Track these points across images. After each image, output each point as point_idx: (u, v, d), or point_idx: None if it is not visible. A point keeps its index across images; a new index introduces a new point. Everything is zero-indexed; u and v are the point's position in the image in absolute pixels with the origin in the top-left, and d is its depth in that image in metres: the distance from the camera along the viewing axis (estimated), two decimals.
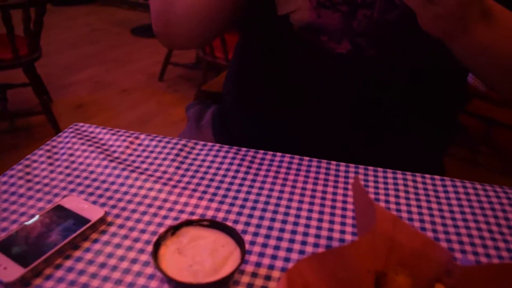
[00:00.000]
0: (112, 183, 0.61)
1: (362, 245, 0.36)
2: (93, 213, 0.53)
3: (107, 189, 0.59)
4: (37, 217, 0.53)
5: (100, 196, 0.58)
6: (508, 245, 0.53)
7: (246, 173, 0.63)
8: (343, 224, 0.55)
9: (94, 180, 0.61)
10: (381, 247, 0.40)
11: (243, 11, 0.71)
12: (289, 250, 0.50)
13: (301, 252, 0.50)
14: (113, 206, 0.56)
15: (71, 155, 0.66)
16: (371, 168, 0.66)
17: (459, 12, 0.51)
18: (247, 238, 0.52)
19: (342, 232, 0.54)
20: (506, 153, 2.45)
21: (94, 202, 0.57)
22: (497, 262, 0.51)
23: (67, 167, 0.64)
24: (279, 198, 0.59)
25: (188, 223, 0.47)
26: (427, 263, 0.40)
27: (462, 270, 0.39)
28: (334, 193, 0.60)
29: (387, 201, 0.59)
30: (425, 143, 0.79)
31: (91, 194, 0.59)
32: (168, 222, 0.54)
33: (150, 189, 0.59)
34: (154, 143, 0.70)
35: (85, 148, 0.68)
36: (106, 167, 0.64)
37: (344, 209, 0.58)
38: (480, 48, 0.57)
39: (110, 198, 0.58)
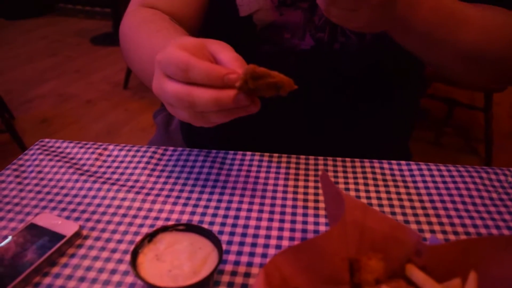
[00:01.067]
0: (84, 196, 0.60)
1: (334, 234, 0.38)
2: (68, 228, 0.53)
3: (79, 203, 0.59)
4: (10, 237, 0.52)
5: (73, 210, 0.58)
6: (474, 221, 0.56)
7: (218, 174, 0.64)
8: (316, 216, 0.56)
9: (66, 195, 0.61)
10: (353, 235, 0.42)
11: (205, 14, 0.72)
12: (266, 246, 0.52)
13: (278, 247, 0.52)
14: (88, 219, 0.56)
15: (40, 172, 0.66)
16: (339, 159, 0.67)
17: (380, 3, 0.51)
18: (224, 238, 0.53)
19: (316, 224, 0.55)
20: (468, 132, 2.53)
21: (68, 217, 0.57)
22: (464, 238, 0.53)
23: (36, 185, 0.63)
24: (253, 196, 0.60)
25: (164, 229, 0.47)
26: (397, 245, 0.42)
27: (430, 249, 0.41)
28: (306, 187, 0.62)
29: (357, 190, 0.61)
30: (390, 129, 0.81)
31: (63, 209, 0.58)
32: (144, 230, 0.54)
33: (124, 199, 0.60)
34: (123, 152, 0.70)
35: (54, 164, 0.67)
36: (76, 181, 0.63)
37: (316, 201, 0.59)
38: (423, 39, 0.59)
39: (83, 211, 0.58)
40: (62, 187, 0.62)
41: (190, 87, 0.42)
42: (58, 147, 0.72)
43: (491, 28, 0.63)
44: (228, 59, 0.45)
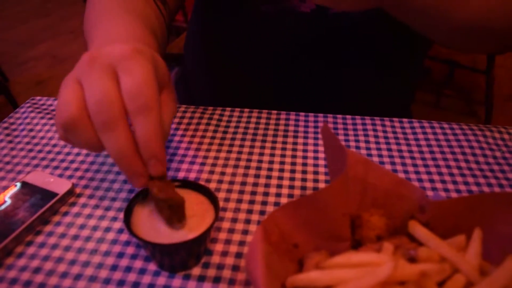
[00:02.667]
0: (78, 154, 0.59)
1: (335, 189, 0.36)
2: (60, 186, 0.52)
3: (72, 161, 0.57)
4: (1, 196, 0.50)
5: (66, 168, 0.56)
6: (477, 180, 0.55)
7: (215, 131, 0.62)
8: (315, 173, 0.55)
9: (58, 153, 0.59)
10: (354, 190, 0.40)
11: None
12: (264, 203, 0.50)
13: (276, 204, 0.50)
14: (81, 178, 0.55)
15: (31, 130, 0.64)
16: (339, 116, 0.66)
17: None
18: (221, 195, 0.51)
19: (316, 181, 0.54)
20: (469, 94, 2.51)
21: (61, 175, 0.55)
22: (468, 195, 0.52)
23: (28, 143, 0.61)
24: (250, 153, 0.58)
25: None
26: (400, 201, 0.41)
27: (434, 205, 0.40)
28: (305, 144, 0.60)
29: (357, 147, 0.60)
30: (391, 92, 0.79)
31: (56, 167, 0.57)
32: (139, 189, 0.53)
33: None
34: None
35: (45, 122, 0.65)
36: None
37: (316, 158, 0.57)
38: (418, 15, 0.56)
39: (76, 169, 0.56)
40: (54, 145, 0.60)
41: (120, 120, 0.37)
42: (50, 105, 0.70)
43: (493, 2, 0.59)
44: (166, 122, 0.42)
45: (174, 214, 0.41)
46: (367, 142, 0.60)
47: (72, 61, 2.73)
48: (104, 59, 0.39)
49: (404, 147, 0.60)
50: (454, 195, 0.52)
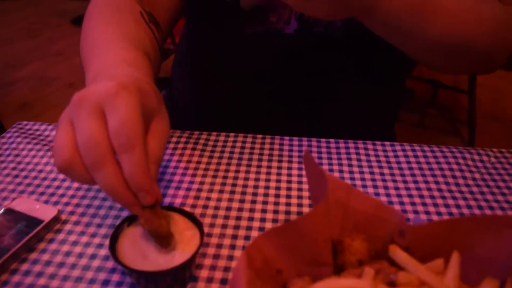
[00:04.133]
0: (63, 180, 0.59)
1: (316, 215, 0.37)
2: (46, 213, 0.52)
3: (58, 187, 0.58)
4: None
5: (52, 194, 0.57)
6: (457, 202, 0.56)
7: (201, 156, 0.63)
8: (300, 197, 0.56)
9: (44, 179, 0.59)
10: (336, 215, 0.41)
11: None
12: (248, 228, 0.51)
13: (261, 229, 0.51)
14: (67, 204, 0.55)
15: (17, 155, 0.64)
16: (323, 140, 0.67)
17: None
18: (206, 221, 0.52)
19: (300, 205, 0.55)
20: (453, 113, 2.55)
21: (46, 202, 0.55)
22: (447, 218, 0.53)
23: (14, 168, 0.61)
24: (236, 178, 0.59)
25: None
26: (380, 225, 0.42)
27: (413, 229, 0.41)
28: (289, 168, 0.61)
29: (341, 171, 0.61)
30: (375, 111, 0.81)
31: (42, 193, 0.57)
32: (125, 214, 0.53)
33: None
34: None
35: (31, 147, 0.65)
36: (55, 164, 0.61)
37: (299, 182, 0.58)
38: (393, 28, 0.57)
39: (62, 195, 0.56)
40: (40, 171, 0.61)
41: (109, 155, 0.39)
42: (36, 130, 0.70)
43: (470, 18, 0.60)
44: (149, 150, 0.42)
45: (159, 243, 0.42)
46: (350, 165, 0.62)
47: (59, 82, 2.72)
48: (91, 99, 0.40)
49: (386, 170, 0.61)
50: (435, 217, 0.54)
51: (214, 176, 0.59)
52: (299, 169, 0.61)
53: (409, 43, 0.61)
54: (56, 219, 0.52)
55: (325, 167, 0.62)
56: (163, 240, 0.42)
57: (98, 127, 0.38)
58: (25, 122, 0.72)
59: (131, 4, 0.63)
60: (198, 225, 0.44)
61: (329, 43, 0.69)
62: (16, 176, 0.60)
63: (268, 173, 0.60)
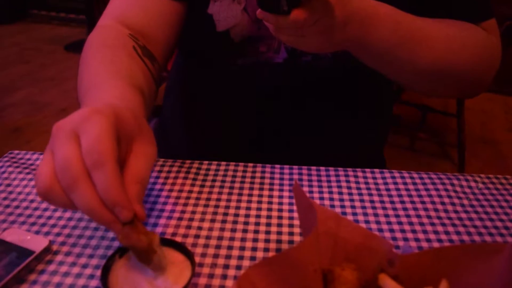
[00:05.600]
0: (55, 210, 0.59)
1: (306, 246, 0.38)
2: (37, 244, 0.52)
3: (49, 217, 0.58)
4: None
5: (43, 225, 0.57)
6: (446, 228, 0.57)
7: (192, 185, 0.63)
8: (291, 226, 0.56)
9: (35, 209, 0.59)
10: (326, 245, 0.42)
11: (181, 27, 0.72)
12: (240, 257, 0.51)
13: (252, 258, 0.51)
14: (58, 234, 0.55)
15: (8, 185, 0.64)
16: (313, 168, 0.68)
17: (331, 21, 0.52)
18: (198, 250, 0.52)
19: (291, 234, 0.55)
20: (442, 137, 2.58)
21: (37, 232, 0.55)
22: (436, 246, 0.54)
23: (5, 198, 0.61)
24: (227, 207, 0.59)
25: None
26: (370, 254, 0.42)
27: (402, 258, 0.41)
28: (280, 196, 0.61)
29: (331, 199, 0.61)
30: (363, 138, 0.82)
31: (33, 224, 0.57)
32: (117, 244, 0.53)
33: None
34: None
35: (23, 177, 0.66)
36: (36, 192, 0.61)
37: (291, 211, 0.59)
38: (382, 57, 0.60)
39: (53, 226, 0.56)
40: (32, 201, 0.61)
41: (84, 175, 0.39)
42: (28, 159, 0.70)
43: (455, 46, 0.64)
44: (132, 170, 0.43)
45: (140, 259, 0.42)
46: (340, 193, 0.62)
47: (50, 108, 2.71)
48: (67, 126, 0.42)
49: (376, 198, 0.62)
50: (424, 244, 0.54)
51: (206, 205, 0.59)
52: (290, 197, 0.61)
53: (398, 71, 0.64)
54: (47, 250, 0.52)
55: (316, 195, 0.62)
56: (143, 255, 0.42)
57: (71, 150, 0.40)
58: (17, 151, 0.72)
59: (124, 40, 0.64)
60: (190, 256, 0.45)
61: (317, 72, 0.70)
62: (7, 206, 0.60)
63: (259, 202, 0.60)
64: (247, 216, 0.58)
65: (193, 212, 0.58)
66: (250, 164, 0.68)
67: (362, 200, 0.61)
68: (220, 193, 0.62)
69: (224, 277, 0.49)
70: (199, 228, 0.56)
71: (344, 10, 0.52)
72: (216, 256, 0.51)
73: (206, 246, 0.53)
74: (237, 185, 0.63)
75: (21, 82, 3.11)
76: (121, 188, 0.40)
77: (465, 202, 0.62)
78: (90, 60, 0.61)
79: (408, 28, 0.60)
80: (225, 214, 0.58)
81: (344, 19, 0.52)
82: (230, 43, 0.69)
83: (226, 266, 0.50)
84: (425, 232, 0.56)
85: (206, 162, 0.68)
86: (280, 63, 0.70)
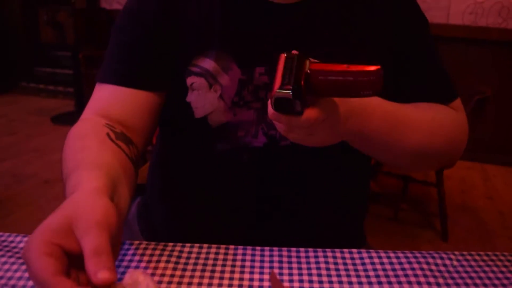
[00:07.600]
0: None
1: None
2: None
3: None
4: None
5: None
6: None
7: (174, 269, 0.64)
8: None
9: None
10: None
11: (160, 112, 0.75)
12: None
13: None
14: None
15: None
16: (293, 249, 0.69)
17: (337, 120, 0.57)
18: None
19: None
20: (424, 206, 2.62)
21: None
22: None
23: None
24: None
25: None
26: None
27: None
28: (261, 279, 0.63)
29: (310, 281, 0.63)
30: (341, 216, 0.85)
31: None
32: None
33: None
34: None
35: (5, 260, 0.66)
36: (29, 279, 0.62)
37: None
38: (377, 144, 0.66)
39: None
40: (14, 286, 0.61)
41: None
42: (11, 242, 0.70)
43: (434, 128, 0.72)
44: (87, 251, 0.43)
45: None
46: (319, 275, 0.64)
47: (34, 180, 2.69)
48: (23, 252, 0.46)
49: (354, 279, 0.63)
50: None
51: None
52: (270, 280, 0.63)
53: (387, 153, 0.71)
54: None
55: (295, 277, 0.63)
56: None
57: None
58: (7, 234, 0.72)
59: (98, 129, 0.66)
60: None
61: (295, 157, 0.74)
62: None
63: (240, 285, 0.61)
64: None
65: None
66: (231, 246, 0.69)
67: (340, 282, 0.63)
68: (202, 277, 0.63)
69: None
70: None
71: (346, 106, 0.58)
72: None
73: None
74: (218, 268, 0.64)
75: (4, 154, 3.11)
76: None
77: (440, 280, 0.64)
78: (66, 152, 0.64)
79: (395, 115, 0.67)
80: None
81: (346, 114, 0.59)
82: (208, 128, 0.73)
83: None
84: None
85: (188, 245, 0.69)
86: (260, 147, 0.73)
